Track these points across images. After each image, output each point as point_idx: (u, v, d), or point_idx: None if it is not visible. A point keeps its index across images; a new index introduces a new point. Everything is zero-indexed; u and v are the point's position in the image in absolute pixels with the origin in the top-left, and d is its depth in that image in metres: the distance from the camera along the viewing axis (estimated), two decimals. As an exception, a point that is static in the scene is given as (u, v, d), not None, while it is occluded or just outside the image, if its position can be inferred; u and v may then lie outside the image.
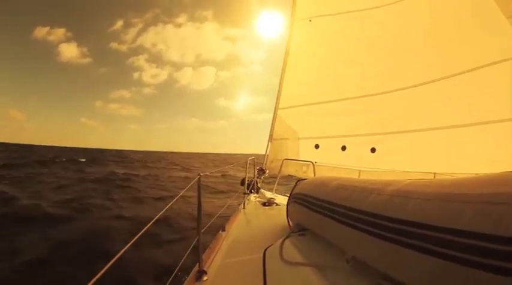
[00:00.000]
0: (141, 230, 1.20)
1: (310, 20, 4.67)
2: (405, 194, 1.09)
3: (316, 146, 4.77)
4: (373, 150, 4.13)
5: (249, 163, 4.56)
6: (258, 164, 5.25)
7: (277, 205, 3.80)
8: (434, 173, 3.49)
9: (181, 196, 1.74)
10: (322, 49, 4.75)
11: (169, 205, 1.51)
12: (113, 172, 22.99)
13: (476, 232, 0.75)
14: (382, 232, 1.09)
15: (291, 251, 1.78)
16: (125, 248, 1.04)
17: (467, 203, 0.82)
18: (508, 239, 0.68)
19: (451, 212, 0.85)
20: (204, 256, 1.90)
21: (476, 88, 3.33)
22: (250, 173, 4.68)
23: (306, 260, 1.57)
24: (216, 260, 2.04)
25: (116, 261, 0.96)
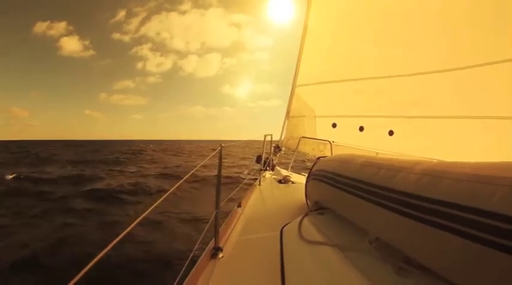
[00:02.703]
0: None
1: None
2: (436, 174, 1.05)
3: (334, 126, 4.69)
4: (391, 133, 4.04)
5: (266, 140, 4.53)
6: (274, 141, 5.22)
7: (292, 182, 3.78)
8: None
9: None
10: (341, 26, 4.53)
11: (188, 175, 1.48)
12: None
13: (506, 214, 0.74)
14: (412, 211, 1.06)
15: (310, 229, 1.76)
16: (140, 218, 1.02)
17: (498, 186, 0.81)
18: None
19: (482, 193, 0.84)
20: (219, 232, 1.89)
21: (501, 81, 3.16)
22: (266, 151, 4.67)
23: (325, 239, 1.55)
24: (232, 237, 2.04)
25: (127, 234, 0.94)
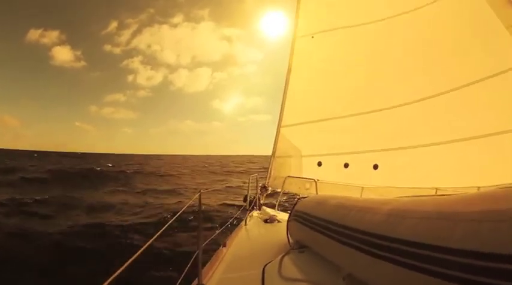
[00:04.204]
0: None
1: (312, 37, 4.76)
2: (400, 213, 1.12)
3: (319, 164, 4.78)
4: (375, 167, 4.14)
5: (252, 180, 4.61)
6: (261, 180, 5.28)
7: (278, 221, 3.81)
8: (436, 188, 3.48)
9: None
10: (325, 65, 4.82)
11: (172, 220, 1.57)
12: None
13: (467, 249, 0.77)
14: (376, 250, 1.12)
15: (290, 267, 1.81)
16: (126, 264, 1.09)
17: (460, 221, 0.84)
18: (499, 256, 0.69)
19: (443, 231, 0.87)
20: (203, 271, 1.93)
21: (475, 102, 3.36)
22: (252, 190, 4.72)
23: (304, 276, 1.61)
24: (216, 275, 2.07)
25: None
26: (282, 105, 5.07)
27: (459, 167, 3.50)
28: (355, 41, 4.47)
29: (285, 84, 4.97)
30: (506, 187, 0.88)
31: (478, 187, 3.03)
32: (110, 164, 38.36)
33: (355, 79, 4.47)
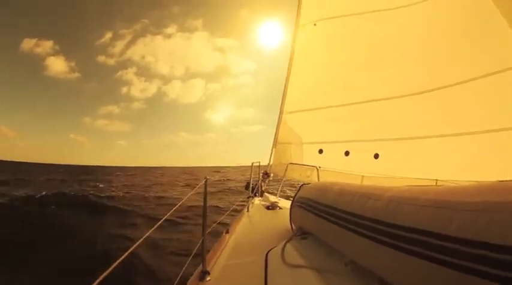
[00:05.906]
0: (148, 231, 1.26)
1: (314, 24, 4.71)
2: (401, 200, 1.13)
3: (320, 151, 4.80)
4: (376, 156, 4.15)
5: (254, 167, 4.63)
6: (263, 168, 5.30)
7: (280, 208, 3.84)
8: (436, 180, 3.50)
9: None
10: (327, 53, 4.80)
11: (177, 205, 1.58)
12: None
13: (467, 238, 0.78)
14: (378, 236, 1.14)
15: (293, 254, 1.83)
16: (134, 246, 1.10)
17: (459, 211, 0.86)
18: (495, 246, 0.71)
19: (443, 219, 0.89)
20: (207, 257, 1.95)
21: (479, 97, 3.33)
22: (254, 177, 4.74)
23: (306, 262, 1.62)
24: (220, 261, 2.09)
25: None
26: (284, 92, 5.05)
27: (459, 161, 3.51)
28: (358, 29, 4.42)
29: (288, 71, 4.94)
30: (506, 181, 0.89)
31: (477, 181, 3.16)
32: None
33: (358, 68, 4.44)
